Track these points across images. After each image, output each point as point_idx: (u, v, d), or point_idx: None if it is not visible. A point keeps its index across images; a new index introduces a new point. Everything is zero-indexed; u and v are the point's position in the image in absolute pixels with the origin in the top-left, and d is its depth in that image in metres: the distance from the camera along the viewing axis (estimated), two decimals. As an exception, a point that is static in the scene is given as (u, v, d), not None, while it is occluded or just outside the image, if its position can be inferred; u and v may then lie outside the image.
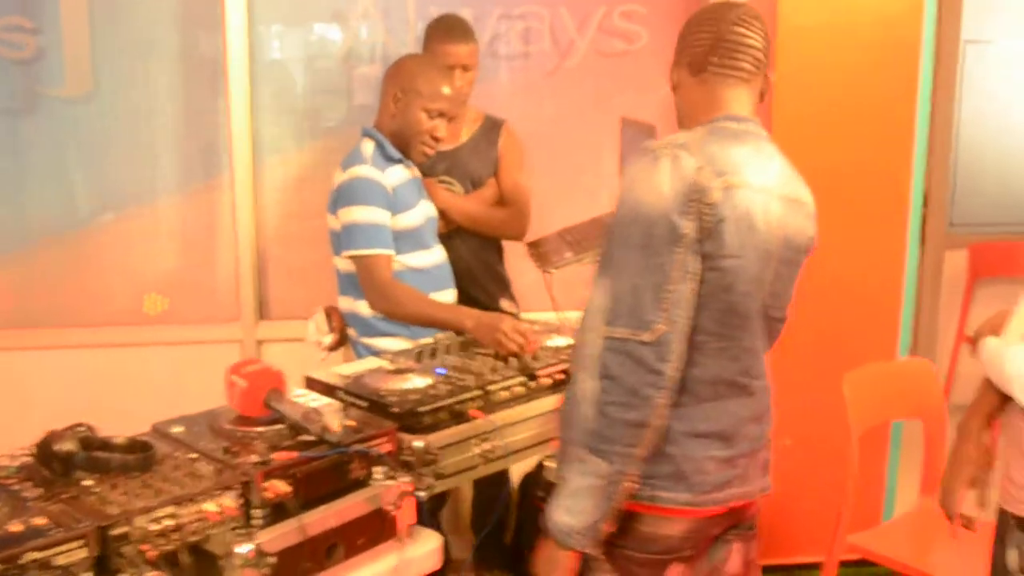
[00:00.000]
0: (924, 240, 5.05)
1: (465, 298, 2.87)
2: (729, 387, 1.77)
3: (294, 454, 1.84)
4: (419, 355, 2.42)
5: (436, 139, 2.70)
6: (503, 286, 3.17)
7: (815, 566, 2.97)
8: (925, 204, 4.98)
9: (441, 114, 2.69)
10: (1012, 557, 2.02)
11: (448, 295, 2.79)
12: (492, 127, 3.12)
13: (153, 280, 3.45)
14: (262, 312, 3.41)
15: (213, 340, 3.38)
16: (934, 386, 2.92)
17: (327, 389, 2.24)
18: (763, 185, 1.74)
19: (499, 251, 3.17)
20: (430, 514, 2.31)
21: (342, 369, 2.35)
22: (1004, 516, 2.04)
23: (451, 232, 3.00)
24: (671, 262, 1.64)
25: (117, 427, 2.05)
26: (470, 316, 2.52)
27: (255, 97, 3.27)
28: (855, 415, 2.74)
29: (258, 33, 3.26)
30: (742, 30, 1.81)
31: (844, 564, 2.85)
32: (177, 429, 2.02)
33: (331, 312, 2.87)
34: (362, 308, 2.68)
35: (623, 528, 1.76)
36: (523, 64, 3.40)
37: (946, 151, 4.99)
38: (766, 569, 2.58)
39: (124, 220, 3.41)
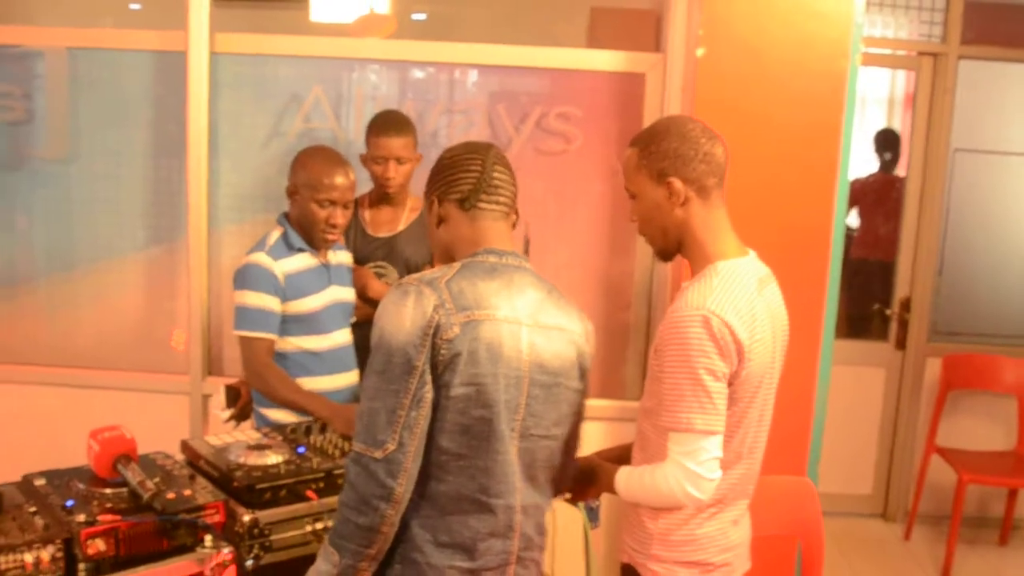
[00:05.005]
0: (905, 347, 5.09)
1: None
2: (471, 503, 1.92)
3: (118, 517, 2.05)
4: (294, 431, 2.60)
5: (333, 226, 2.87)
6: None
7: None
8: (907, 310, 5.05)
9: (332, 202, 2.85)
10: None
11: (347, 378, 2.96)
12: None
13: (115, 329, 3.70)
14: (212, 368, 3.62)
15: (163, 391, 3.60)
16: (812, 505, 2.95)
17: (194, 456, 2.45)
18: (510, 316, 1.92)
19: None
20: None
21: (216, 438, 2.53)
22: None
23: None
24: (404, 389, 1.83)
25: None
26: (328, 406, 2.69)
27: (213, 171, 3.51)
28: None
29: (219, 111, 3.51)
30: (501, 169, 2.05)
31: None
32: (40, 481, 2.24)
33: (240, 386, 3.08)
34: (256, 380, 2.88)
35: None
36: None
37: (932, 258, 5.02)
38: None
39: (94, 272, 3.69)
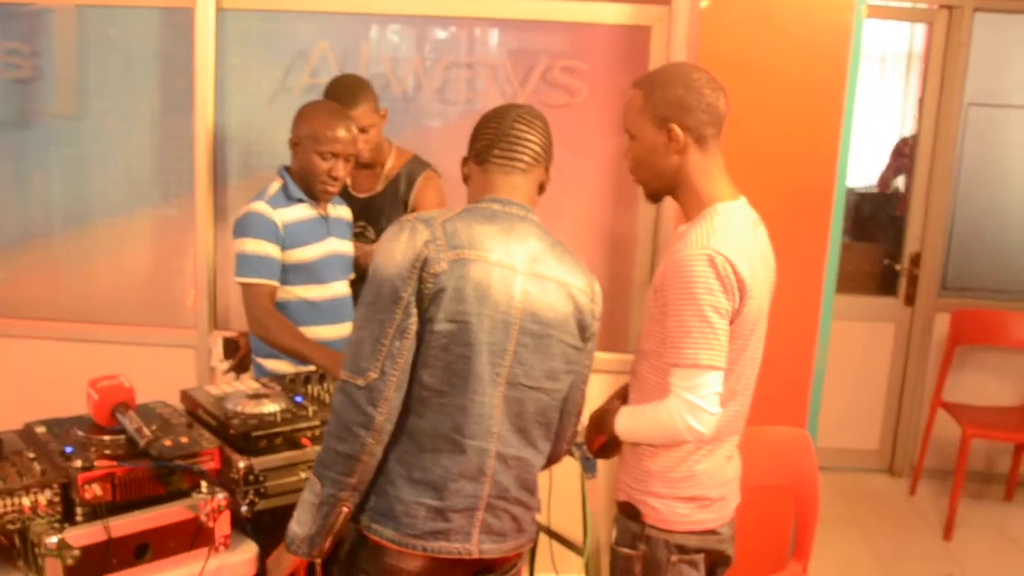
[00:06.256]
0: (914, 302, 5.08)
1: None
2: (445, 441, 1.96)
3: (114, 463, 2.10)
4: (292, 381, 2.65)
5: (335, 178, 2.89)
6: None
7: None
8: (917, 265, 5.03)
9: (335, 155, 2.87)
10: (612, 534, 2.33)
11: (344, 328, 2.98)
12: (413, 171, 3.28)
13: (124, 284, 3.76)
14: (218, 323, 3.68)
15: (170, 344, 3.67)
16: (808, 457, 2.98)
17: (193, 405, 2.50)
18: (504, 261, 1.95)
19: None
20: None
21: (215, 388, 2.58)
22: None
23: None
24: (389, 320, 1.89)
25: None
26: (327, 355, 2.72)
27: (220, 127, 3.55)
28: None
29: (226, 67, 3.54)
30: (522, 126, 2.07)
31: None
32: (40, 429, 2.29)
33: (239, 339, 3.12)
34: (255, 329, 2.92)
35: (362, 553, 2.00)
36: (468, 110, 3.58)
37: (942, 213, 4.99)
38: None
39: (103, 228, 3.75)
